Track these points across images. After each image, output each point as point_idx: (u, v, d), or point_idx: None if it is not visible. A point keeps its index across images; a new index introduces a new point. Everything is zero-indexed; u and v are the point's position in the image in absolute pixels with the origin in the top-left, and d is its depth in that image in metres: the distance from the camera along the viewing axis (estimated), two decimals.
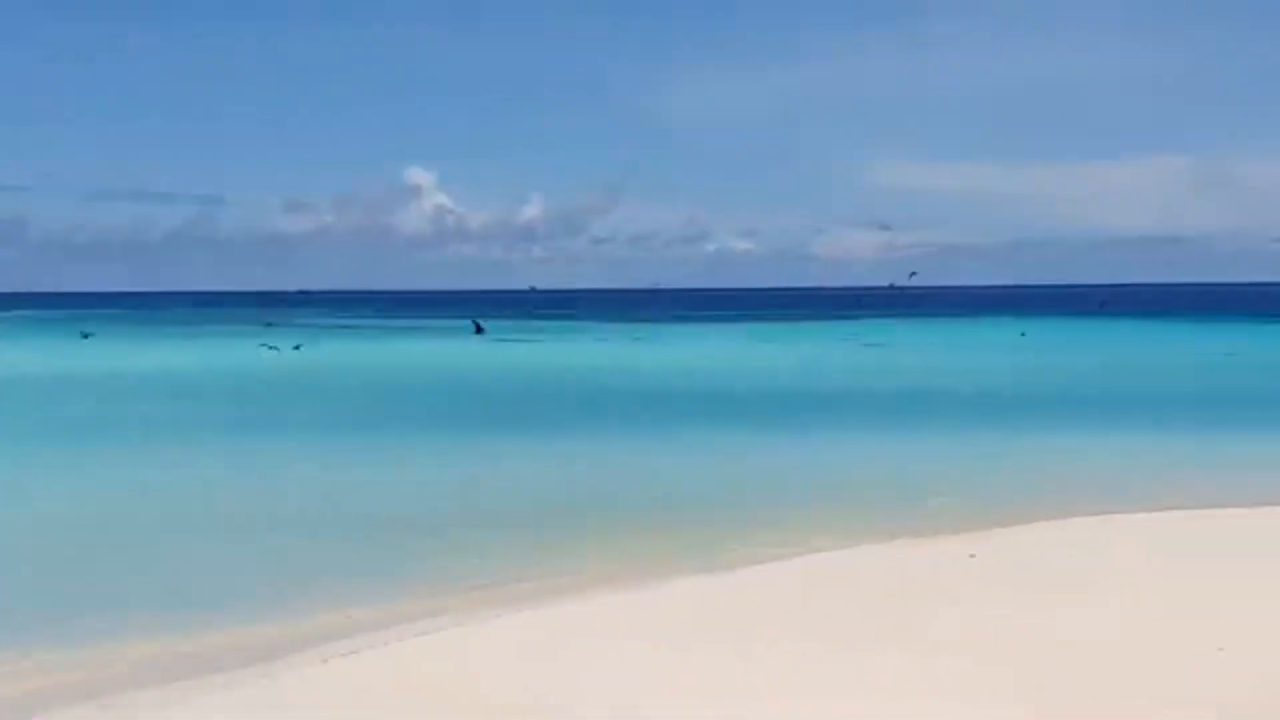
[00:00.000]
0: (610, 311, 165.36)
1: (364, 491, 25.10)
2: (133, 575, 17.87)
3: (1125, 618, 14.12)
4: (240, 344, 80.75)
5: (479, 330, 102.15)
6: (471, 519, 21.80)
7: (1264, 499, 22.27)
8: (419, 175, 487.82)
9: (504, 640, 13.77)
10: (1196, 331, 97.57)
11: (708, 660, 12.74)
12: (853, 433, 34.71)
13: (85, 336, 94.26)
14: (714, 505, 23.21)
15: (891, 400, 45.49)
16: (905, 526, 20.45)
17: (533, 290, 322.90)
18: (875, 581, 16.48)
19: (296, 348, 73.21)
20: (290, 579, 17.37)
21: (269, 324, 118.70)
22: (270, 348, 72.85)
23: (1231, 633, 13.13)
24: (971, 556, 17.85)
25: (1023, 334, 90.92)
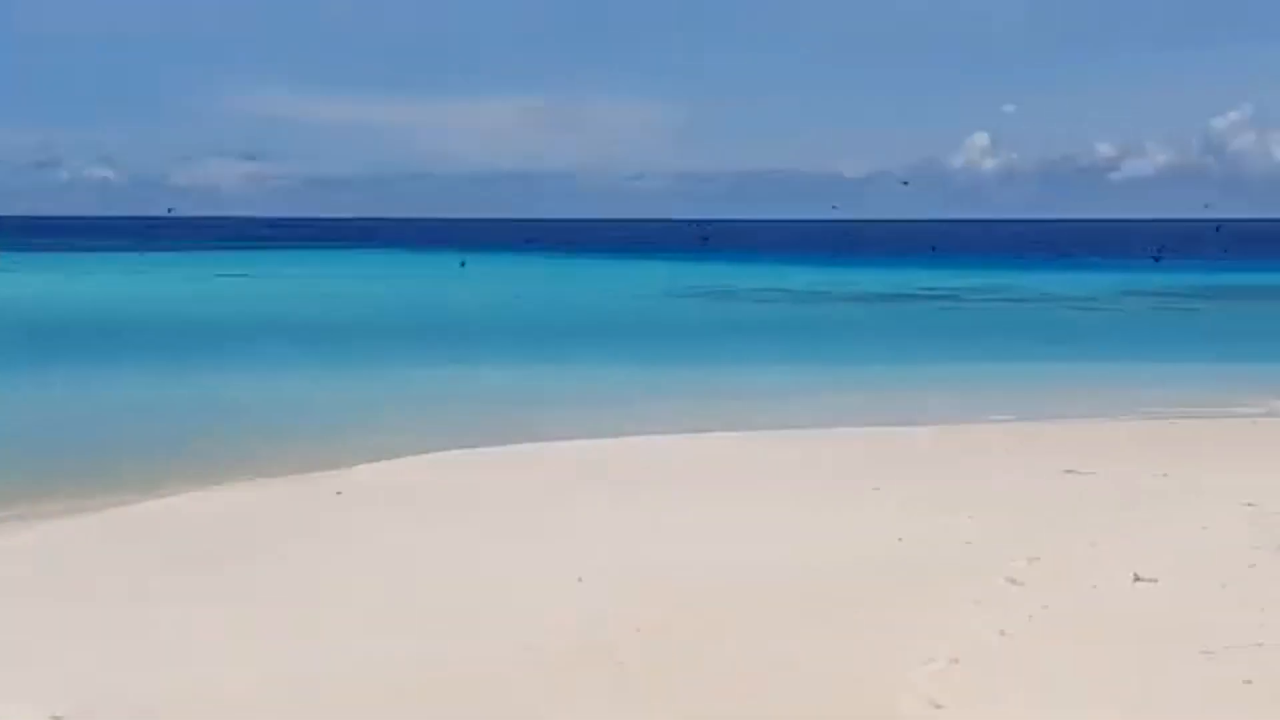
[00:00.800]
0: None
1: None
2: None
3: (490, 549, 14.18)
4: None
5: None
6: None
7: (597, 432, 22.93)
8: None
9: None
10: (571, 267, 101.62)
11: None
12: (219, 369, 33.55)
13: None
14: (61, 450, 21.72)
15: (270, 335, 44.45)
16: (271, 465, 19.86)
17: None
18: (235, 524, 15.87)
19: None
20: None
21: None
22: None
23: (588, 563, 13.37)
24: (338, 494, 17.48)
25: (462, 264, 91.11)
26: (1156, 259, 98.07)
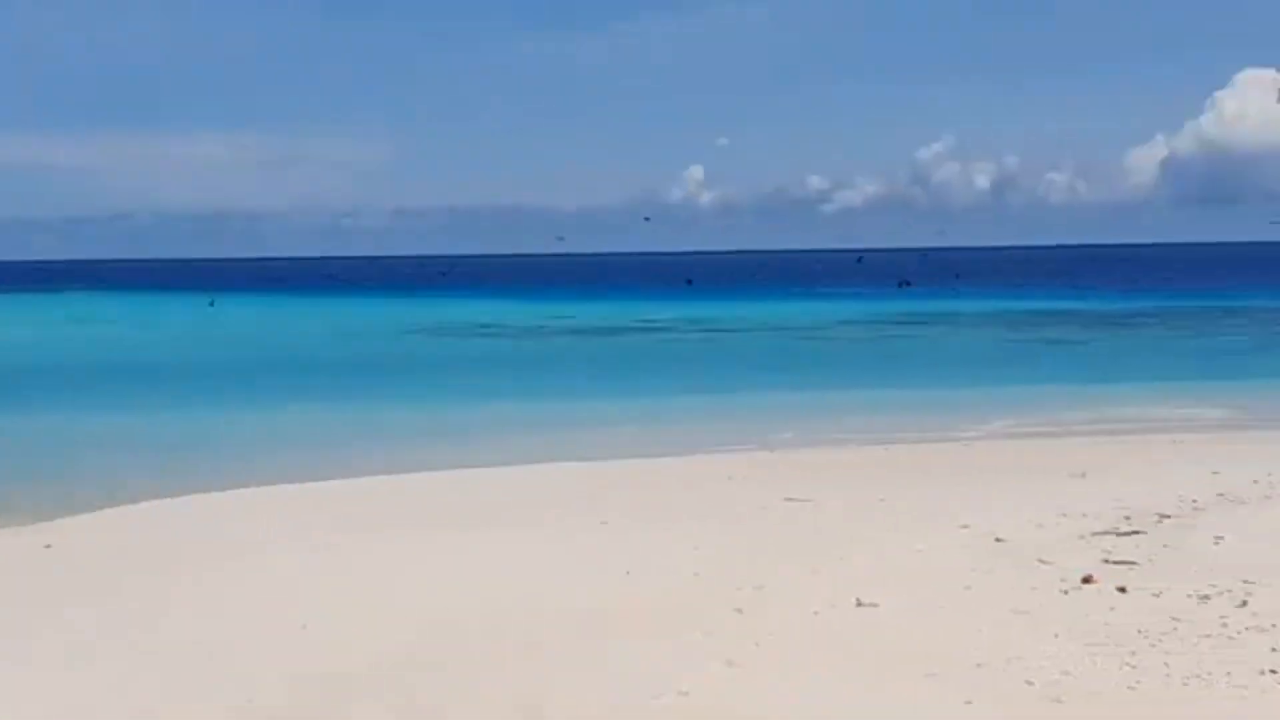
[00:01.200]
0: None
1: None
2: None
3: (206, 601, 13.68)
4: None
5: None
6: None
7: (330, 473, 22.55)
8: None
9: None
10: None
11: None
12: None
13: None
14: None
15: None
16: None
17: None
18: None
19: None
20: None
21: None
22: None
23: (311, 610, 13.02)
24: (47, 547, 16.73)
25: (211, 303, 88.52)
26: (907, 285, 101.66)
